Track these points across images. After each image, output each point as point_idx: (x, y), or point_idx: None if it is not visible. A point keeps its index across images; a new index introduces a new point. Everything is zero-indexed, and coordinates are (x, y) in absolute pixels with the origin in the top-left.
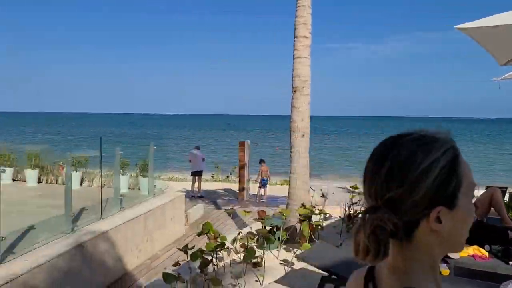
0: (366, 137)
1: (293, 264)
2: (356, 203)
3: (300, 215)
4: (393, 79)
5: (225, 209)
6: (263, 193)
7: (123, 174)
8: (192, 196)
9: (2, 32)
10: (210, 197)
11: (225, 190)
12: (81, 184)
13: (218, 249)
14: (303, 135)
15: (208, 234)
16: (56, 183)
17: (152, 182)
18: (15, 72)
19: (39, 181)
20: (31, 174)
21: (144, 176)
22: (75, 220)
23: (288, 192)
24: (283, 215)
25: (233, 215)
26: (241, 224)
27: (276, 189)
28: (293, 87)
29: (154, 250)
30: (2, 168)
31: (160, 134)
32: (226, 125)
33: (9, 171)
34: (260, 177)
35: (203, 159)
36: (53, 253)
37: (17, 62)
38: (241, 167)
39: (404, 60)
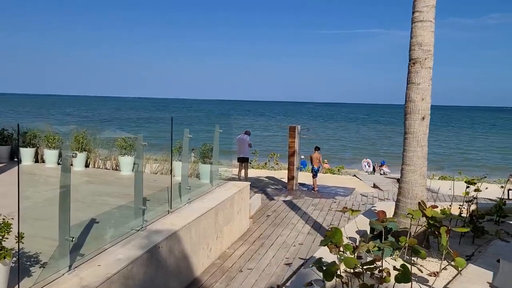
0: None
1: (426, 281)
2: (472, 201)
3: (428, 217)
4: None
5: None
6: (312, 183)
7: (179, 160)
8: None
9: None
10: (257, 185)
11: (268, 177)
12: (132, 170)
13: (366, 268)
14: (423, 118)
15: (330, 244)
16: (105, 168)
17: (216, 169)
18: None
19: (86, 165)
20: (79, 157)
21: (204, 162)
22: (143, 214)
23: (400, 188)
24: (412, 216)
25: (294, 207)
26: (315, 218)
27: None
28: (411, 59)
29: (223, 248)
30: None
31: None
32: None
33: (54, 153)
34: (312, 165)
35: (250, 145)
36: (128, 256)
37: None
38: (291, 155)
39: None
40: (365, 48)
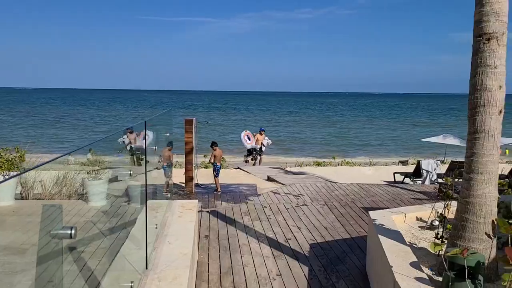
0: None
1: None
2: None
3: None
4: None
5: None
6: (214, 182)
7: (96, 179)
8: None
9: None
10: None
11: None
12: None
13: None
14: (500, 111)
15: None
16: None
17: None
18: None
19: None
20: None
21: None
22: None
23: (466, 203)
24: None
25: (227, 219)
26: (264, 233)
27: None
28: (484, 33)
29: None
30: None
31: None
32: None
33: None
34: (214, 162)
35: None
36: None
37: None
38: (188, 152)
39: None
40: (191, 36)
